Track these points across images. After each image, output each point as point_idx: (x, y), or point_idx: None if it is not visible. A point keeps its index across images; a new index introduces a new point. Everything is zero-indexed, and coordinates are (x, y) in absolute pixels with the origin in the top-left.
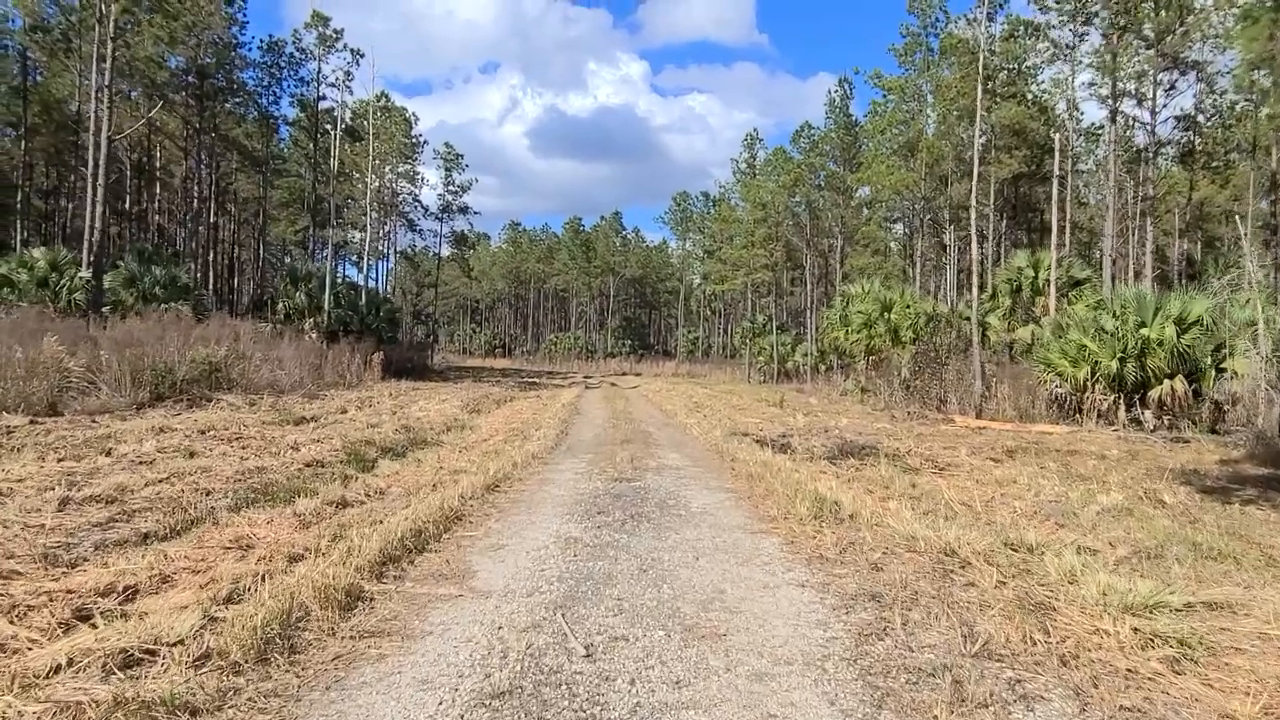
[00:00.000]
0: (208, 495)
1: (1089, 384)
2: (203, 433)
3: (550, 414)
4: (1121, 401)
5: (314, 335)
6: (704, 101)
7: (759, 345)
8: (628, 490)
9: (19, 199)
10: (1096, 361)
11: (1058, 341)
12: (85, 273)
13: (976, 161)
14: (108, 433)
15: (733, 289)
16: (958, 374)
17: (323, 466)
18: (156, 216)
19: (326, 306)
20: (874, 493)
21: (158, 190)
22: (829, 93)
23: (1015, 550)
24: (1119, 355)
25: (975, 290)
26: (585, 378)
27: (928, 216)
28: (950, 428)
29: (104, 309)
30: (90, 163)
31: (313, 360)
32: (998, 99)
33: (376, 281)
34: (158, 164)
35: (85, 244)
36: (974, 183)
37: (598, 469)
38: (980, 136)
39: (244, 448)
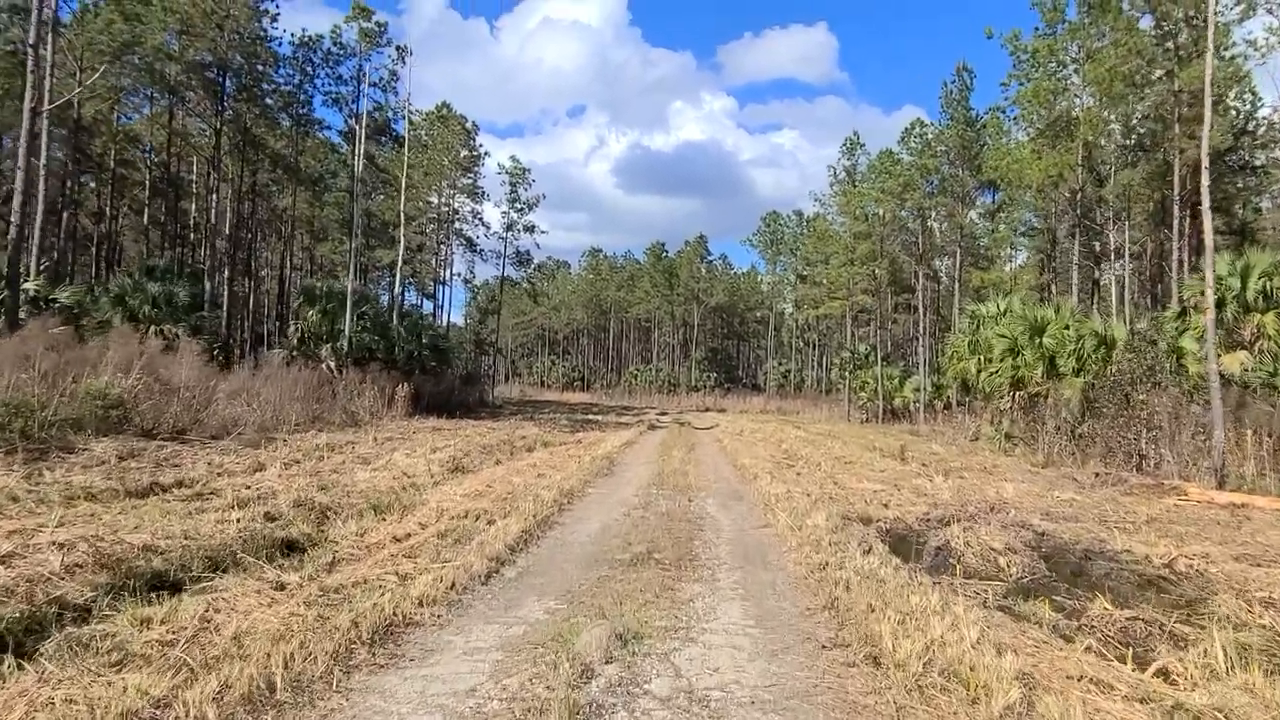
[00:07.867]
0: None
1: None
2: None
3: (562, 476)
4: None
5: (331, 364)
6: (792, 137)
7: (860, 379)
8: None
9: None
10: None
11: None
12: (31, 283)
13: (1209, 83)
14: None
15: (829, 314)
16: (1175, 419)
17: None
18: (193, 234)
19: (347, 330)
20: None
21: (193, 206)
22: (944, 85)
23: None
24: None
25: (1210, 293)
26: (658, 415)
27: (1079, 214)
28: (1185, 505)
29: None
30: (22, 140)
31: (310, 394)
32: (1180, 58)
33: (441, 308)
34: (194, 175)
35: (31, 250)
36: (1208, 108)
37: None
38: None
39: None
